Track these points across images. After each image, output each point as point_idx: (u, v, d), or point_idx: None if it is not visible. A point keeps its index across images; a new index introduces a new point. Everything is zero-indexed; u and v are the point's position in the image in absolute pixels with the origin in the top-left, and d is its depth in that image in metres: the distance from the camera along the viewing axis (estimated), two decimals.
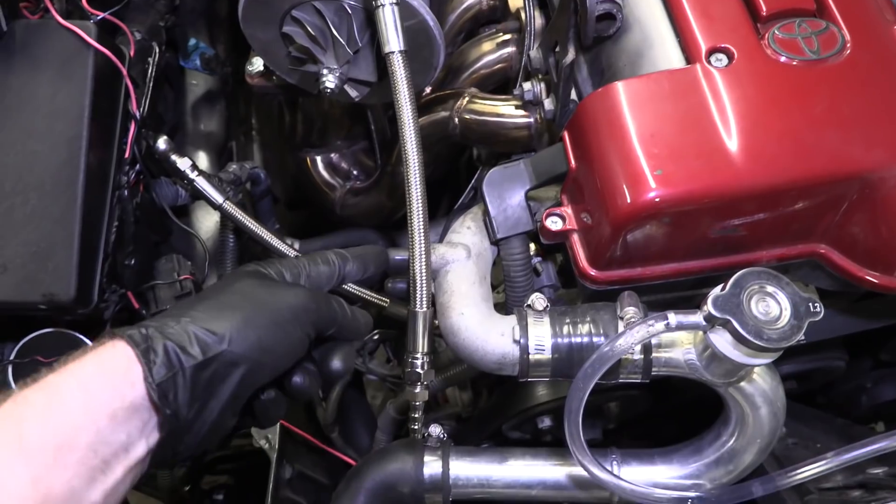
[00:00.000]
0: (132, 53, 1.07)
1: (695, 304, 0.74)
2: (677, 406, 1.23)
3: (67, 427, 0.59)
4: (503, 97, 1.08)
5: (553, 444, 1.13)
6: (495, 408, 1.16)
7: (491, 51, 1.13)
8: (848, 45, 0.79)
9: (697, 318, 0.70)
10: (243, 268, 0.78)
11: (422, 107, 1.11)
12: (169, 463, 0.69)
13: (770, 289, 0.70)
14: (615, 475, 0.79)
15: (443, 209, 1.40)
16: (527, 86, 0.99)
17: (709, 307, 0.68)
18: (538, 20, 1.03)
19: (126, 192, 1.02)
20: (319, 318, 0.74)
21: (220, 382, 0.66)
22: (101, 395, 0.61)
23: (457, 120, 1.08)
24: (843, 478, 0.90)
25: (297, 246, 1.24)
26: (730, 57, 0.79)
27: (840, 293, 0.93)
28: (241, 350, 0.67)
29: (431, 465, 0.91)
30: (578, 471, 0.89)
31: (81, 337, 1.05)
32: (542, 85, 0.98)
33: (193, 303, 0.71)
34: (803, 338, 0.69)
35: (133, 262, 1.04)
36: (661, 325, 0.70)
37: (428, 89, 1.14)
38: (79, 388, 0.61)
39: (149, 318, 0.69)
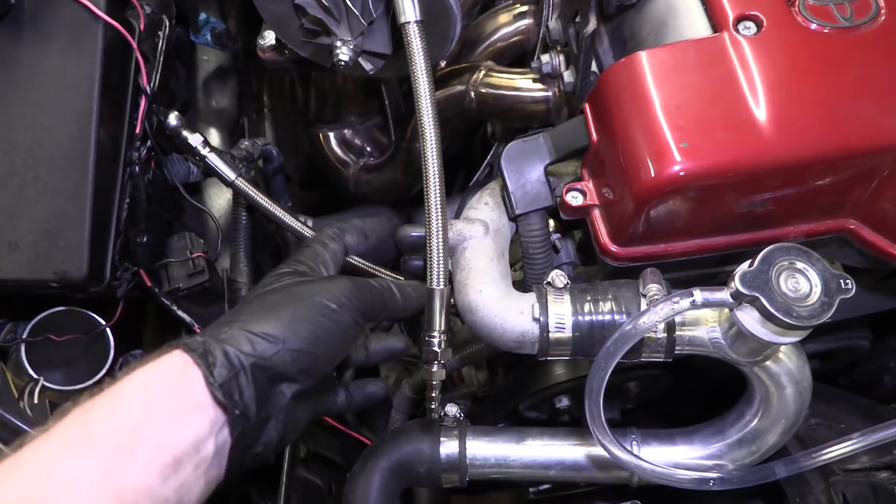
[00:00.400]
0: (142, 27, 1.05)
1: (718, 281, 0.72)
2: (697, 386, 1.21)
3: (132, 424, 0.60)
4: (520, 70, 1.05)
5: (571, 424, 1.12)
6: (512, 387, 1.15)
7: (508, 23, 1.11)
8: (882, 11, 0.76)
9: (724, 295, 0.68)
10: (276, 270, 0.79)
11: (437, 81, 1.09)
12: (247, 465, 0.70)
13: (800, 265, 0.67)
14: (636, 455, 0.77)
15: (457, 186, 1.39)
16: (545, 58, 0.97)
17: (736, 284, 0.66)
18: None
19: (138, 169, 1.01)
20: (365, 305, 0.76)
21: (282, 380, 0.68)
22: (162, 395, 0.63)
23: (473, 94, 1.06)
24: (869, 459, 0.88)
25: (310, 223, 1.22)
26: (758, 25, 0.76)
27: (866, 270, 0.90)
28: (296, 346, 0.68)
29: (448, 445, 0.90)
30: (598, 451, 0.88)
31: (94, 315, 1.04)
32: (561, 57, 0.95)
33: (239, 309, 0.72)
34: (829, 317, 0.67)
35: (145, 239, 1.03)
36: (686, 303, 0.68)
37: (443, 63, 1.12)
38: (140, 390, 0.63)
39: (197, 331, 0.72)
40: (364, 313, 0.75)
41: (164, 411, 0.62)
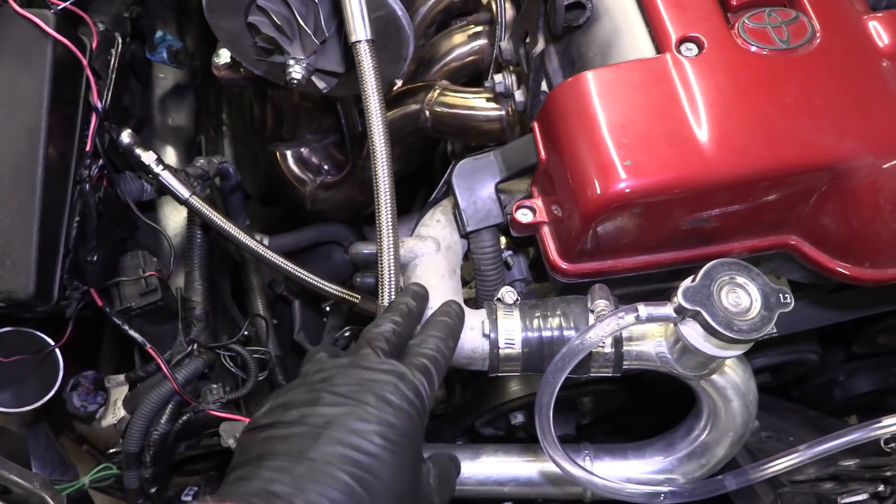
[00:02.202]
0: (94, 45, 1.04)
1: (667, 297, 0.73)
2: (652, 400, 1.22)
3: None
4: (474, 90, 1.07)
5: (527, 440, 1.12)
6: (468, 404, 1.15)
7: (462, 43, 1.12)
8: (818, 34, 0.78)
9: (668, 309, 0.69)
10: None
11: (393, 99, 1.10)
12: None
13: (740, 280, 0.69)
14: (587, 470, 0.78)
15: (418, 203, 1.39)
16: (498, 78, 0.98)
17: (679, 299, 0.67)
18: (509, 11, 1.02)
19: (88, 187, 0.99)
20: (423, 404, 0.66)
21: None
22: None
23: (428, 113, 1.07)
24: (816, 470, 0.90)
25: (266, 242, 1.22)
26: (700, 46, 0.78)
27: (812, 285, 0.92)
28: None
29: None
30: (551, 467, 0.88)
31: (42, 335, 1.02)
32: (514, 77, 0.97)
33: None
34: (775, 330, 0.68)
35: (96, 258, 1.01)
36: (631, 318, 0.69)
37: (399, 82, 1.12)
38: None
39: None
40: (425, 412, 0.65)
41: None
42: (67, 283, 0.97)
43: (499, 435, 1.16)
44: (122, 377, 1.13)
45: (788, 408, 1.15)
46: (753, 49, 0.78)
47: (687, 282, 0.69)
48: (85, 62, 0.98)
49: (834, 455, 0.79)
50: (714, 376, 0.79)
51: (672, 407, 1.02)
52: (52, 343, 1.02)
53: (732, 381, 0.80)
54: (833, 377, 1.27)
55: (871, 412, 1.35)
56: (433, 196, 1.19)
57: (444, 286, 0.85)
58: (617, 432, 1.33)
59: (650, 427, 1.17)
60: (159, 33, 1.34)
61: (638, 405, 1.24)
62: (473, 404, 1.12)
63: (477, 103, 1.04)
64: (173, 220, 1.28)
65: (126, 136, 1.05)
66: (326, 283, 1.08)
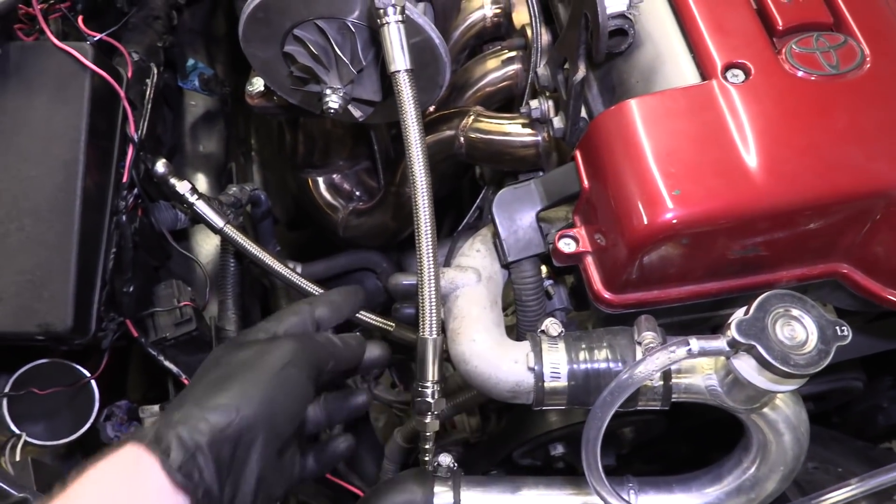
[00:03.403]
0: (130, 75, 1.05)
1: (712, 325, 0.72)
2: (690, 429, 1.20)
3: None
4: (509, 115, 1.06)
5: (565, 471, 1.10)
6: (506, 434, 1.13)
7: (496, 68, 1.11)
8: (868, 58, 0.77)
9: (720, 343, 0.67)
10: (219, 346, 0.80)
11: (426, 126, 1.09)
12: None
13: (795, 312, 0.67)
14: None
15: (446, 229, 1.38)
16: (534, 103, 0.97)
17: (733, 332, 0.66)
18: (545, 37, 1.01)
19: (124, 217, 1.00)
20: (313, 356, 0.75)
21: (244, 449, 0.66)
22: (117, 489, 0.60)
23: (462, 139, 1.06)
24: None
25: (299, 269, 1.21)
26: (746, 72, 0.77)
27: (856, 312, 0.90)
28: (251, 412, 0.66)
29: (442, 497, 0.88)
30: (594, 500, 0.86)
31: (78, 367, 1.02)
32: (550, 102, 0.96)
33: (189, 389, 0.71)
34: None
35: (132, 288, 1.01)
36: (682, 352, 0.67)
37: (431, 108, 1.12)
38: (92, 487, 0.60)
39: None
40: (313, 366, 0.74)
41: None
42: (104, 315, 0.97)
43: (536, 465, 1.14)
44: (156, 408, 1.12)
45: (833, 437, 1.12)
46: (801, 74, 0.76)
47: (740, 314, 0.67)
48: (122, 93, 0.99)
49: (888, 489, 0.76)
50: (765, 409, 0.77)
51: (709, 435, 1.00)
52: (88, 374, 1.02)
53: (784, 414, 0.77)
54: (877, 403, 1.24)
55: None
56: (464, 222, 1.18)
57: (485, 317, 0.84)
58: (652, 461, 1.30)
59: (686, 455, 1.15)
60: (191, 61, 1.35)
61: (675, 433, 1.21)
62: (511, 434, 1.10)
63: (512, 129, 1.03)
64: (205, 247, 1.28)
65: (161, 166, 1.05)
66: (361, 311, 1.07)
